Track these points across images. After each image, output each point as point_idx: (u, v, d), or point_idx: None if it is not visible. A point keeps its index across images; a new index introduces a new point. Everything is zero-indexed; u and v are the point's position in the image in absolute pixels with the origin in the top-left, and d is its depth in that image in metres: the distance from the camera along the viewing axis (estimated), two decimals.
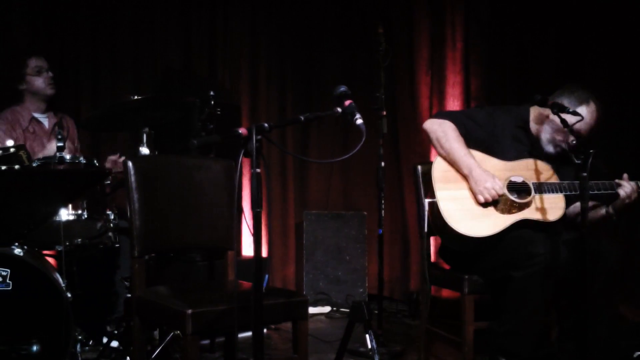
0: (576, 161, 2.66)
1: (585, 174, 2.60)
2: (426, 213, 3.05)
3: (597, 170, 2.83)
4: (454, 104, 4.90)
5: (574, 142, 2.76)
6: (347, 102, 2.26)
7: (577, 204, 3.01)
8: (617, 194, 2.91)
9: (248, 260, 4.28)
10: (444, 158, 3.06)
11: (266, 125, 2.12)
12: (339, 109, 2.27)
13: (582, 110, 2.92)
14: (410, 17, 5.10)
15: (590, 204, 3.02)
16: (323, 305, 4.93)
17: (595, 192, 2.94)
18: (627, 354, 3.30)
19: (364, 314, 3.02)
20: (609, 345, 2.83)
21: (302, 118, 2.26)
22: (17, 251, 2.86)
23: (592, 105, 2.97)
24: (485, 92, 4.81)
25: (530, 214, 2.95)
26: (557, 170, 3.09)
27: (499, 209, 2.97)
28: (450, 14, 4.98)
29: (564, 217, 3.04)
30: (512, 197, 2.96)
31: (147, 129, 3.28)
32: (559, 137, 3.03)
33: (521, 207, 2.96)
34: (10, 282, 2.76)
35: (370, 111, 3.95)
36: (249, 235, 4.44)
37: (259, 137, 2.10)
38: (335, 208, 5.25)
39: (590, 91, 3.01)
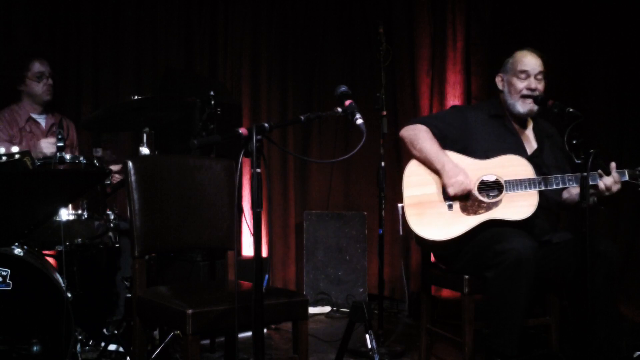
0: (577, 161, 2.67)
1: (586, 174, 2.60)
2: (400, 217, 3.09)
3: (603, 170, 2.83)
4: (454, 103, 4.90)
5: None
6: (348, 102, 2.26)
7: (571, 190, 3.09)
8: (597, 185, 2.88)
9: (248, 260, 4.28)
10: (418, 159, 3.12)
11: (267, 125, 2.12)
12: (340, 109, 2.27)
13: (509, 63, 3.15)
14: (411, 17, 5.10)
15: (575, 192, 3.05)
16: (323, 305, 4.93)
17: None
18: (627, 354, 3.30)
19: (364, 314, 3.02)
20: (609, 345, 2.83)
21: (303, 118, 2.26)
22: (17, 251, 2.86)
23: (517, 53, 3.16)
24: (485, 92, 4.81)
25: (498, 213, 2.95)
26: (538, 159, 3.10)
27: (465, 210, 2.99)
28: (451, 14, 4.98)
29: (555, 208, 3.09)
30: (481, 197, 2.98)
31: (147, 129, 3.28)
32: (518, 88, 3.09)
33: (489, 206, 2.97)
34: (11, 282, 2.76)
35: (371, 111, 3.95)
36: (249, 235, 4.44)
37: (259, 137, 2.10)
38: (335, 208, 5.26)
39: (519, 49, 3.19)
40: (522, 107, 3.10)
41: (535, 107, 3.09)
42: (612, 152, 3.05)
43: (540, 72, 3.10)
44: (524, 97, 3.09)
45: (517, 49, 3.19)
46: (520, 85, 3.09)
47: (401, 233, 3.26)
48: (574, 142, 2.70)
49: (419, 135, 3.11)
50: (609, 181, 2.83)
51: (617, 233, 4.41)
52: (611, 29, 4.43)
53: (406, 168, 3.13)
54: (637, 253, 4.36)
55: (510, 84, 3.13)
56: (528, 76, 3.08)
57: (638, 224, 4.38)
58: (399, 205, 3.10)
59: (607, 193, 2.84)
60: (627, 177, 2.89)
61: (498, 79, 3.21)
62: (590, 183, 2.87)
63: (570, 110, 2.78)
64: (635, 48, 4.35)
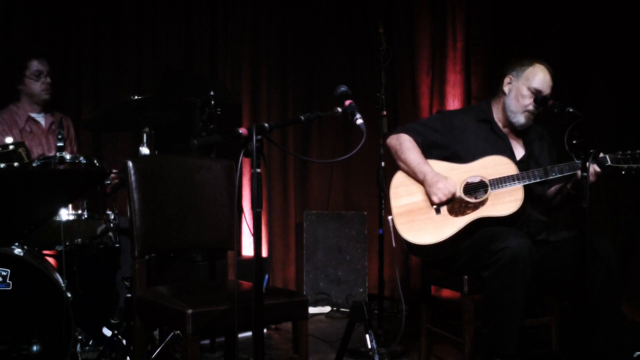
0: (576, 161, 2.67)
1: (585, 174, 2.60)
2: (392, 230, 3.12)
3: (600, 166, 2.84)
4: (454, 104, 4.90)
5: (549, 102, 2.90)
6: (348, 102, 2.27)
7: (553, 187, 3.13)
8: (576, 174, 2.91)
9: (248, 260, 4.28)
10: (403, 170, 3.14)
11: (267, 125, 2.13)
12: (340, 109, 2.27)
13: (525, 72, 3.09)
14: (411, 17, 5.10)
15: (557, 186, 3.09)
16: (323, 305, 4.93)
17: (565, 174, 2.95)
18: (627, 354, 3.30)
19: (364, 314, 3.02)
20: (610, 344, 2.83)
21: (303, 118, 2.26)
22: (17, 251, 2.86)
23: (537, 65, 3.10)
24: (485, 92, 4.81)
25: (486, 211, 2.97)
26: (528, 163, 3.11)
27: (453, 212, 3.01)
28: (451, 14, 4.98)
29: (540, 202, 3.10)
30: (466, 198, 2.99)
31: (147, 129, 3.28)
32: (523, 102, 3.09)
33: (476, 206, 2.99)
34: (10, 282, 2.76)
35: (371, 111, 3.95)
36: (249, 235, 4.44)
37: (259, 137, 2.10)
38: (335, 208, 5.26)
39: (537, 59, 3.15)
40: (525, 119, 3.11)
41: (532, 120, 3.12)
42: (614, 152, 3.06)
43: (549, 94, 3.09)
44: (528, 112, 3.09)
45: (534, 58, 3.14)
46: (528, 101, 3.08)
47: (394, 244, 3.28)
48: (574, 142, 2.70)
49: (403, 146, 3.13)
50: (590, 168, 2.83)
51: (617, 233, 4.41)
52: (611, 29, 4.42)
53: (393, 179, 3.15)
54: (637, 253, 4.36)
55: (519, 93, 3.10)
56: (538, 94, 3.07)
57: (637, 224, 4.38)
58: (389, 217, 3.12)
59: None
60: (609, 162, 2.90)
61: (507, 80, 3.16)
62: (571, 172, 2.91)
63: (570, 110, 2.78)
64: (635, 48, 4.35)
